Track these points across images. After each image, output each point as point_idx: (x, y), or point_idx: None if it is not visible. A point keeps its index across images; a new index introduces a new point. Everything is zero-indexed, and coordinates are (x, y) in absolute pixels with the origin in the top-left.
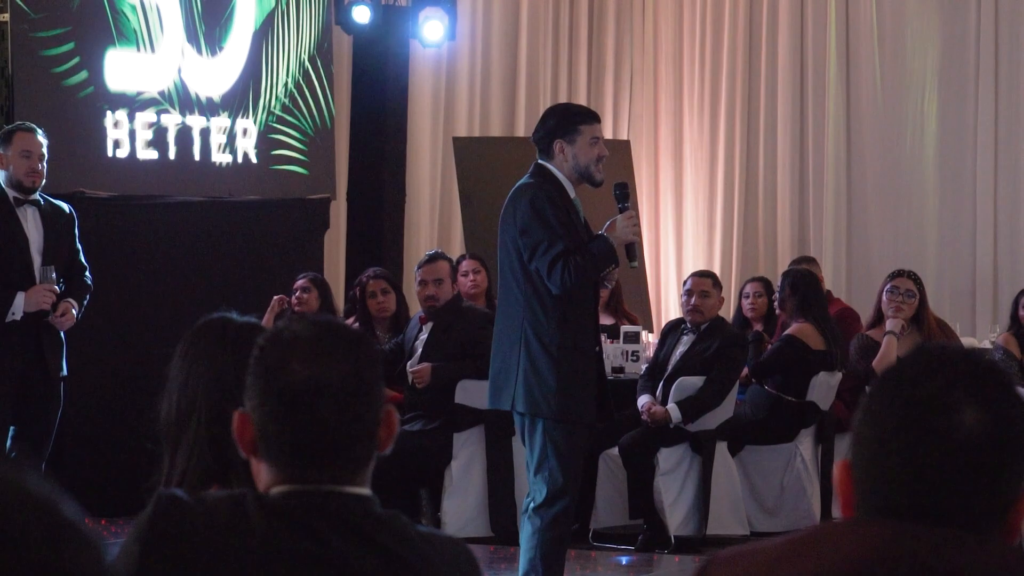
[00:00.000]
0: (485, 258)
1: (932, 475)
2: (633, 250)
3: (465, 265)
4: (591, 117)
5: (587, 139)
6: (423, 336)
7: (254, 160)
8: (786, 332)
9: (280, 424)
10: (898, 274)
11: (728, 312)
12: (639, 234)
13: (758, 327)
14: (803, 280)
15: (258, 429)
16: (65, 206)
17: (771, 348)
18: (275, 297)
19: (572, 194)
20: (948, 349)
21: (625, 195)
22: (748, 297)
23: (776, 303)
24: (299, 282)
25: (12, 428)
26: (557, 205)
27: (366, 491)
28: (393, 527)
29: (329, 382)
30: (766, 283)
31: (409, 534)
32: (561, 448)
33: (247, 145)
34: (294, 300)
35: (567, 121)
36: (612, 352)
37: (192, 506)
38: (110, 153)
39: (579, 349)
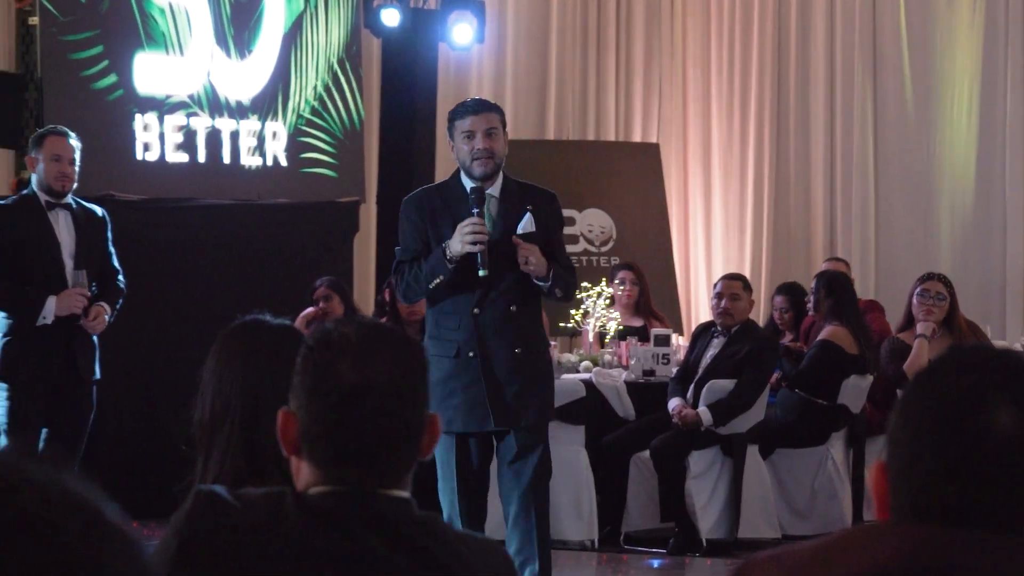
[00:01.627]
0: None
1: (967, 476)
2: (478, 259)
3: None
4: (463, 110)
5: (459, 134)
6: None
7: (284, 163)
8: (820, 337)
9: (325, 425)
10: (928, 277)
11: (758, 315)
12: (476, 243)
13: (790, 337)
14: (838, 282)
15: (302, 429)
16: (98, 209)
17: (808, 355)
18: (309, 309)
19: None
20: (982, 349)
21: (479, 199)
22: (777, 310)
23: (809, 305)
24: (319, 290)
25: (44, 431)
26: (421, 210)
27: (405, 494)
28: (430, 528)
29: (376, 385)
30: (793, 294)
31: (446, 535)
32: (439, 458)
33: (276, 148)
34: (317, 309)
35: (449, 118)
36: (642, 355)
37: (230, 503)
38: (139, 156)
39: (447, 356)
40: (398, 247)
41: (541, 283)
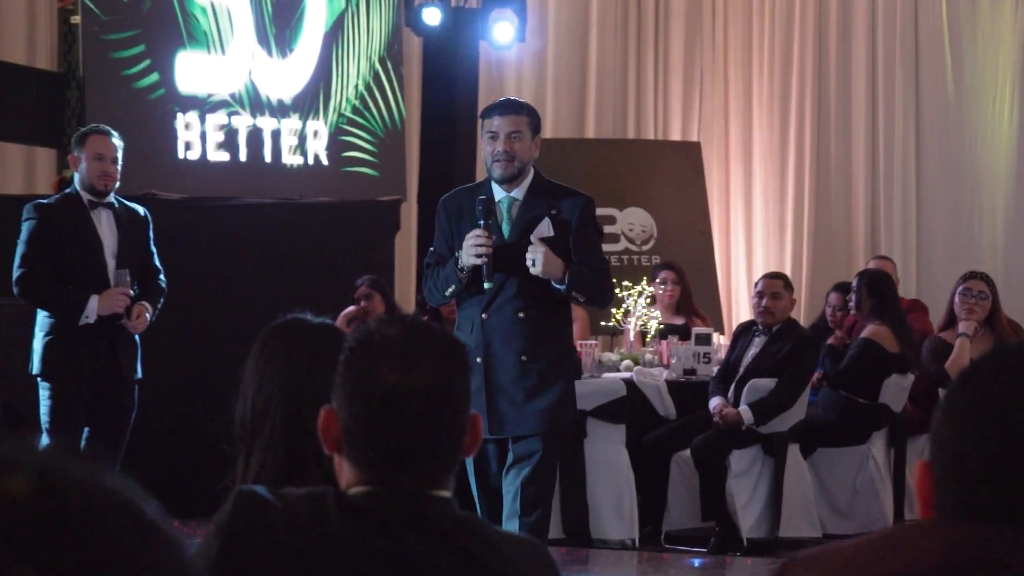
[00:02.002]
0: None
1: (1011, 474)
2: (483, 270)
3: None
4: (490, 109)
5: (485, 133)
6: None
7: (325, 162)
8: (862, 336)
9: (366, 427)
10: (971, 276)
11: (799, 314)
12: (481, 255)
13: (838, 335)
14: (880, 281)
15: (344, 428)
16: (140, 209)
17: (849, 354)
18: (350, 308)
19: (499, 194)
20: None
21: (488, 212)
22: (830, 307)
23: (851, 304)
24: (360, 289)
25: (86, 430)
26: (448, 212)
27: (447, 493)
28: (471, 528)
29: (417, 387)
30: (848, 292)
31: (487, 535)
32: None
33: (318, 147)
34: (359, 308)
35: (480, 116)
36: (683, 353)
37: (272, 502)
38: (181, 155)
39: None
40: (431, 248)
41: (558, 287)
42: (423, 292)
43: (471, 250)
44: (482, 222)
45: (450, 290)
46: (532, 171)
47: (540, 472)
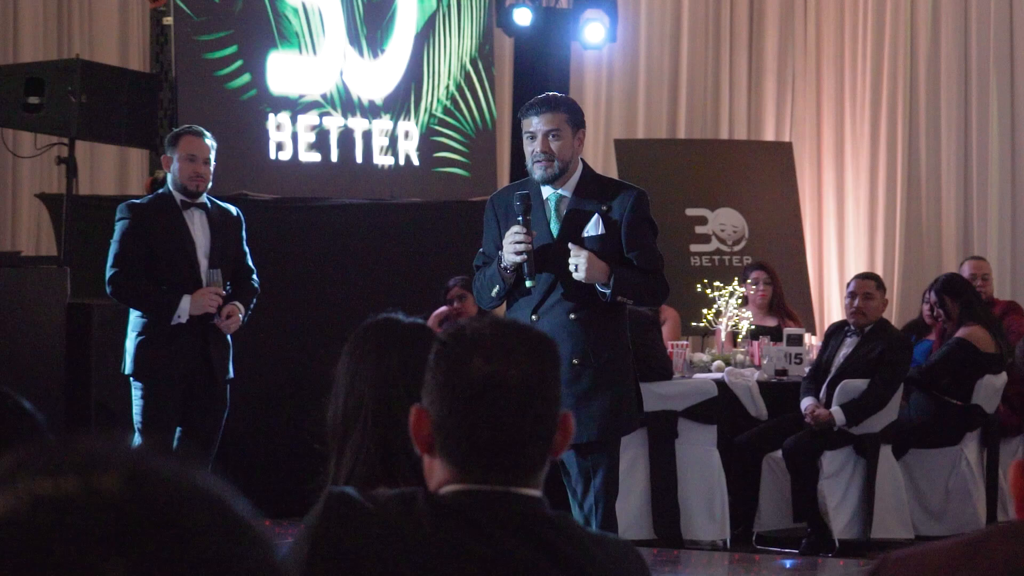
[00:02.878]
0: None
1: None
2: (523, 268)
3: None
4: (527, 109)
5: (524, 134)
6: None
7: (416, 162)
8: (956, 335)
9: (459, 420)
10: None
11: (891, 314)
12: (521, 252)
13: (934, 334)
14: (957, 284)
15: (435, 425)
16: (233, 209)
17: (940, 351)
18: (442, 308)
19: (547, 192)
20: None
21: (527, 207)
22: (928, 304)
23: (939, 317)
24: (452, 290)
25: (178, 429)
26: (496, 210)
27: (537, 492)
28: (563, 528)
29: (511, 380)
30: None
31: (579, 535)
32: None
33: (409, 147)
34: (451, 309)
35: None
36: (775, 354)
37: (362, 504)
38: (272, 156)
39: None
40: (480, 249)
41: (602, 290)
42: (474, 291)
43: (511, 247)
44: (520, 218)
45: (495, 290)
46: (581, 166)
47: (610, 482)
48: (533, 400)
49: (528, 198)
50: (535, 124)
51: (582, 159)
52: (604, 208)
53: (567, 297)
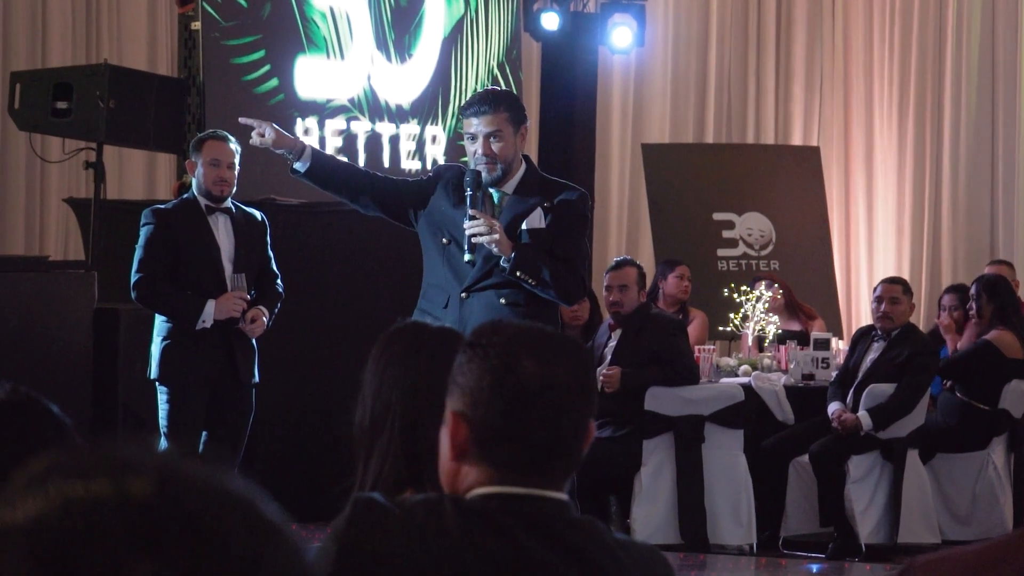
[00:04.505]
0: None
1: None
2: (464, 243)
3: (680, 270)
4: (466, 109)
5: (465, 134)
6: (612, 343)
7: None
8: (983, 337)
9: (510, 422)
10: None
11: (919, 319)
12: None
13: (956, 337)
14: (1000, 286)
15: (478, 429)
16: (257, 214)
17: (965, 350)
18: None
19: (490, 190)
20: None
21: (476, 183)
22: (945, 309)
23: (971, 310)
24: None
25: (204, 433)
26: (443, 177)
27: (564, 496)
28: (590, 532)
29: (561, 383)
30: (962, 294)
31: (605, 540)
32: None
33: (436, 152)
34: None
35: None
36: (802, 359)
37: (389, 509)
38: None
39: None
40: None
41: (504, 264)
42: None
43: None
44: (470, 192)
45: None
46: (524, 164)
47: None
48: (579, 401)
49: (480, 176)
50: (475, 126)
51: (526, 156)
52: (547, 205)
53: (499, 284)
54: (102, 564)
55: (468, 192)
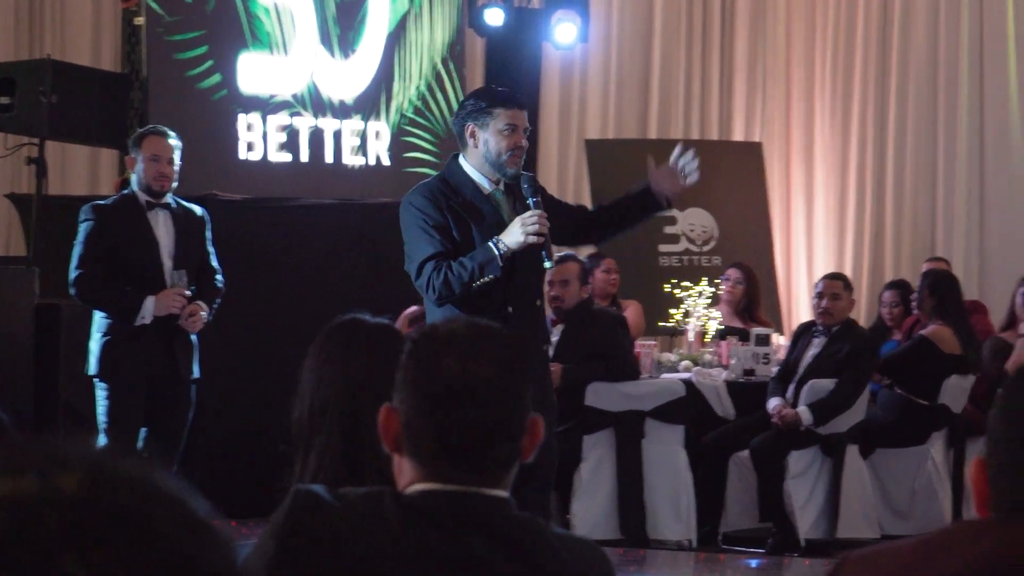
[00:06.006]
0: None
1: None
2: (543, 252)
3: (607, 263)
4: (507, 99)
5: (500, 123)
6: (554, 338)
7: (386, 163)
8: (920, 332)
9: (427, 419)
10: None
11: (859, 315)
12: (540, 233)
13: (898, 334)
14: (943, 282)
15: (405, 422)
16: (197, 209)
17: (903, 346)
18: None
19: (488, 188)
20: None
21: (536, 188)
22: (885, 306)
23: (914, 304)
24: None
25: (144, 430)
26: (438, 207)
27: (504, 493)
28: (529, 529)
29: (480, 379)
30: (902, 289)
31: (545, 536)
32: None
33: (379, 148)
34: (421, 308)
35: (482, 102)
36: (743, 354)
37: (329, 502)
38: (243, 155)
39: None
40: (406, 245)
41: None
42: (437, 286)
43: (526, 229)
44: (534, 200)
45: (484, 280)
46: None
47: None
48: (502, 401)
49: (536, 180)
50: (521, 118)
51: None
52: (536, 199)
53: (531, 287)
54: (31, 561)
55: (532, 200)
